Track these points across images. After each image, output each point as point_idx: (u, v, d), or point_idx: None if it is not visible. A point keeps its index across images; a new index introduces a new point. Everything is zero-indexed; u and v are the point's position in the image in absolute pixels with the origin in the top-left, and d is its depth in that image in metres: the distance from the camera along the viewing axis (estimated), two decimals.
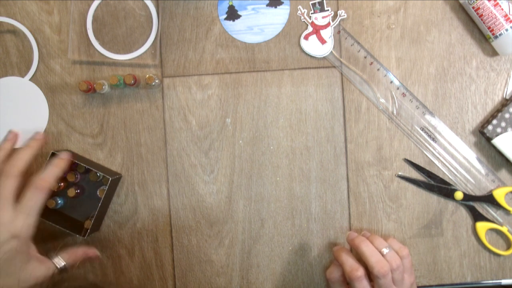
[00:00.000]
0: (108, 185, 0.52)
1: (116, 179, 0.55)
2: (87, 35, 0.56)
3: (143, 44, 0.56)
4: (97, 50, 0.56)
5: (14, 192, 0.44)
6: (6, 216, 0.43)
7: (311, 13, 0.56)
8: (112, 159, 0.57)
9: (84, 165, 0.53)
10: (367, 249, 0.47)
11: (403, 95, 0.55)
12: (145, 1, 0.56)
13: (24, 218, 0.44)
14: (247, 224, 0.56)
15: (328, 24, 0.55)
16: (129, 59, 0.56)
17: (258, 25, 0.56)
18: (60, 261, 0.47)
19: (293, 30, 0.56)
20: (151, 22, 0.56)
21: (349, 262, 0.47)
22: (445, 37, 0.56)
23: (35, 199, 0.45)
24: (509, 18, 0.51)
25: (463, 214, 0.55)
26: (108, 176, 0.52)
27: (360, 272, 0.46)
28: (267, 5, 0.56)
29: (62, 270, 0.47)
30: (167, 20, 0.57)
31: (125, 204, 0.57)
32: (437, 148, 0.55)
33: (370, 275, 0.47)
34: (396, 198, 0.56)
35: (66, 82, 0.57)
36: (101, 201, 0.52)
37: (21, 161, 0.46)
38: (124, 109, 0.57)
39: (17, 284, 0.43)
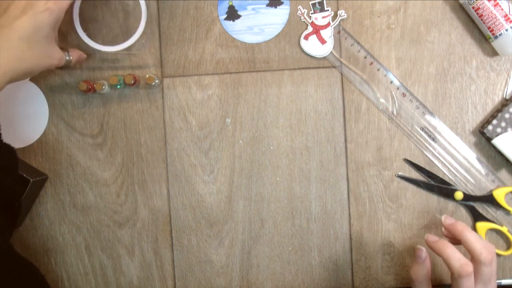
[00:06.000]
0: (28, 187, 0.52)
1: (39, 180, 0.54)
2: (74, 28, 0.56)
3: (131, 35, 0.56)
4: (85, 43, 0.56)
5: None
6: None
7: (311, 13, 0.56)
8: (112, 159, 0.57)
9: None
10: (451, 251, 0.45)
11: (403, 95, 0.55)
12: None
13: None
14: (247, 224, 0.56)
15: (328, 24, 0.55)
16: (118, 51, 0.56)
17: (258, 25, 0.56)
18: (68, 55, 0.52)
19: (293, 30, 0.56)
20: (140, 10, 0.56)
21: (458, 256, 0.44)
22: (445, 37, 0.56)
23: None
24: (509, 18, 0.51)
25: (463, 214, 0.55)
26: (29, 178, 0.52)
27: (471, 267, 0.43)
28: (267, 5, 0.56)
29: (67, 63, 0.52)
30: (167, 20, 0.57)
31: (125, 204, 0.57)
32: (437, 148, 0.55)
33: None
34: (396, 198, 0.56)
35: (66, 82, 0.57)
36: (20, 200, 0.52)
37: None
38: (124, 109, 0.57)
39: (41, 56, 0.47)
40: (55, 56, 0.49)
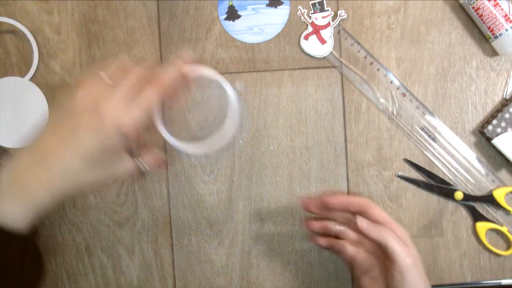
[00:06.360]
0: None
1: None
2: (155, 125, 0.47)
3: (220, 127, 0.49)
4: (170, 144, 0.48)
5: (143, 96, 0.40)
6: (118, 106, 0.39)
7: (311, 13, 0.56)
8: None
9: None
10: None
11: (403, 95, 0.55)
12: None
13: (133, 114, 0.39)
14: (247, 224, 0.56)
15: (328, 24, 0.55)
16: (210, 152, 0.49)
17: (258, 25, 0.56)
18: (143, 164, 0.44)
19: (293, 30, 0.56)
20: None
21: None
22: (445, 37, 0.56)
23: (149, 97, 0.40)
24: (509, 18, 0.51)
25: (463, 214, 0.55)
26: None
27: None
28: (267, 5, 0.56)
29: (142, 172, 0.45)
30: (167, 20, 0.57)
31: (125, 204, 0.57)
32: (437, 148, 0.55)
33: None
34: (396, 198, 0.56)
35: (66, 82, 0.57)
36: None
37: (168, 77, 0.41)
38: None
39: (102, 173, 0.41)
40: (123, 170, 0.42)
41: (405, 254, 0.42)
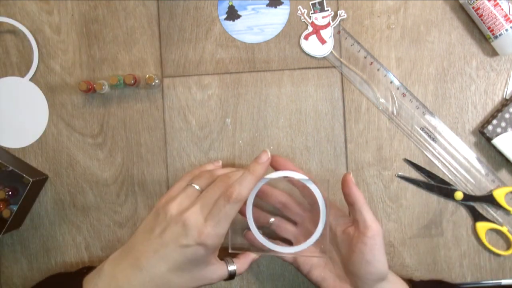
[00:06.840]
0: (28, 187, 0.52)
1: (39, 180, 0.54)
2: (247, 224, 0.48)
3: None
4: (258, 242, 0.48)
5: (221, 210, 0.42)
6: (196, 221, 0.42)
7: (311, 13, 0.56)
8: (112, 159, 0.57)
9: (7, 165, 0.52)
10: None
11: (403, 95, 0.55)
12: None
13: (212, 227, 0.41)
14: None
15: (328, 24, 0.55)
16: (302, 251, 0.48)
17: (258, 25, 0.56)
18: (232, 267, 0.47)
19: (293, 30, 0.56)
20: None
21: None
22: (445, 37, 0.56)
23: (226, 210, 0.42)
24: (509, 18, 0.51)
25: (463, 214, 0.55)
26: (29, 178, 0.52)
27: None
28: (267, 5, 0.56)
29: (231, 275, 0.47)
30: (167, 20, 0.57)
31: (125, 204, 0.57)
32: (437, 148, 0.55)
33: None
34: (396, 198, 0.56)
35: (66, 82, 0.57)
36: (20, 200, 0.52)
37: (244, 189, 0.43)
38: (124, 109, 0.57)
39: (189, 283, 0.44)
40: (213, 276, 0.45)
41: (375, 220, 0.44)
